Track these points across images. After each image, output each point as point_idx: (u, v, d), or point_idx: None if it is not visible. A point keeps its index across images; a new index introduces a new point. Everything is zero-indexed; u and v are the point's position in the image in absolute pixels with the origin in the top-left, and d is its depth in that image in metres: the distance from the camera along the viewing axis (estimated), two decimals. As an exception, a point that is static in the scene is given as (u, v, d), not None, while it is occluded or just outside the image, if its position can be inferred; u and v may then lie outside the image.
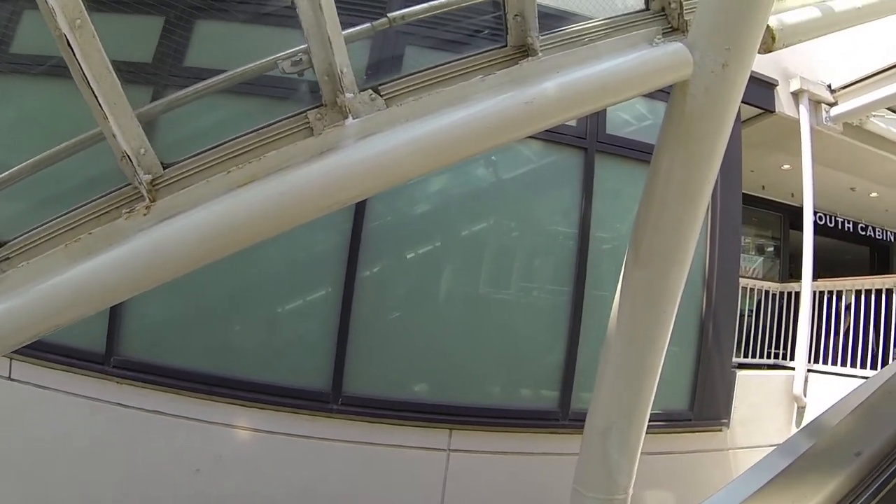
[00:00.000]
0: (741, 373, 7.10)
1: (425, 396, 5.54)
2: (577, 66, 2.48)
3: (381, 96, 2.28)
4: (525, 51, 2.47)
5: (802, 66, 7.97)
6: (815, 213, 11.78)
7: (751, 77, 6.94)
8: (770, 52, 3.09)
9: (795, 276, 13.67)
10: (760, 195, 10.36)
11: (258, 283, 5.37)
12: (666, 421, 6.37)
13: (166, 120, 4.12)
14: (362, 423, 5.31)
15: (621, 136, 6.45)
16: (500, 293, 5.88)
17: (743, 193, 10.59)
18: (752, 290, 8.13)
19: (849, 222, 12.66)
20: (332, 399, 5.26)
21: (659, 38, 2.70)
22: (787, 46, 3.22)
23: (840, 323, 7.26)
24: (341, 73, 2.12)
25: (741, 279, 8.24)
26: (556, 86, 2.37)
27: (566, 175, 6.16)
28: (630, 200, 6.25)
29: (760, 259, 11.90)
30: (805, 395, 7.39)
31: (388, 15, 2.71)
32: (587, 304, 6.03)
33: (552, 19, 3.69)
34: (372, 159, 2.17)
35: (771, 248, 11.96)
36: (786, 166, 8.42)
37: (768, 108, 7.70)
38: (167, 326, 5.31)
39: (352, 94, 2.18)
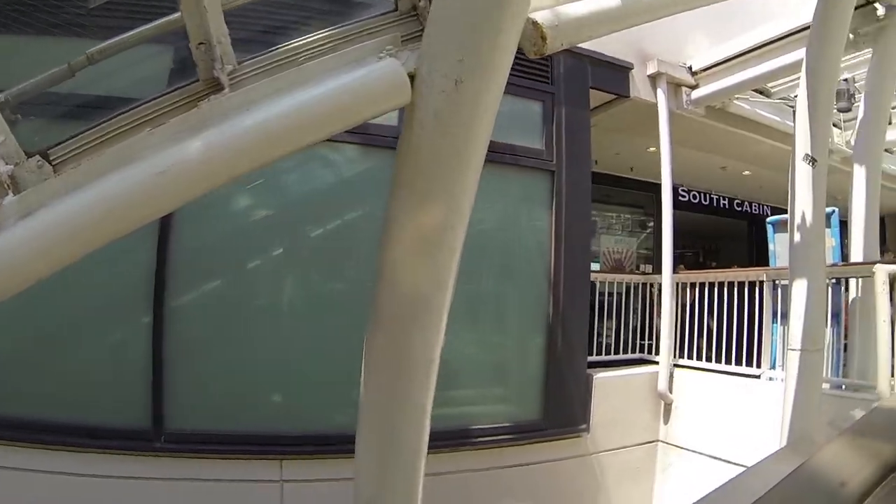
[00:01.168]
0: (600, 374, 6.85)
1: (252, 426, 5.10)
2: (272, 98, 1.91)
3: (50, 163, 1.75)
4: (216, 86, 1.90)
5: (663, 48, 7.64)
6: (689, 191, 11.92)
7: (603, 61, 6.62)
8: (542, 54, 2.55)
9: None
10: (631, 176, 10.12)
11: (64, 322, 4.80)
12: (516, 434, 6.10)
13: None
14: (189, 459, 4.90)
15: None
16: (322, 313, 5.39)
17: (612, 175, 10.49)
18: (617, 283, 7.80)
19: (724, 198, 12.76)
20: (154, 436, 4.82)
21: (389, 49, 2.16)
22: (568, 45, 2.72)
23: (704, 317, 7.03)
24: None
25: (602, 274, 7.97)
26: (219, 135, 1.78)
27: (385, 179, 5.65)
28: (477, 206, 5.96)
29: (636, 239, 11.80)
30: (671, 392, 7.16)
31: (87, 52, 2.07)
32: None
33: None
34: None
35: (640, 229, 11.89)
36: (651, 149, 8.12)
37: (622, 94, 7.35)
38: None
39: (12, 166, 1.65)
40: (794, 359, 4.87)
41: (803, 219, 4.84)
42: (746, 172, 10.88)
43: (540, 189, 6.47)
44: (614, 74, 7.23)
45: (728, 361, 6.70)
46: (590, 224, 6.98)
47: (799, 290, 4.84)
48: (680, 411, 7.12)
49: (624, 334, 7.69)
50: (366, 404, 2.45)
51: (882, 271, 2.20)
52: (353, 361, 5.08)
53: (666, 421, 7.25)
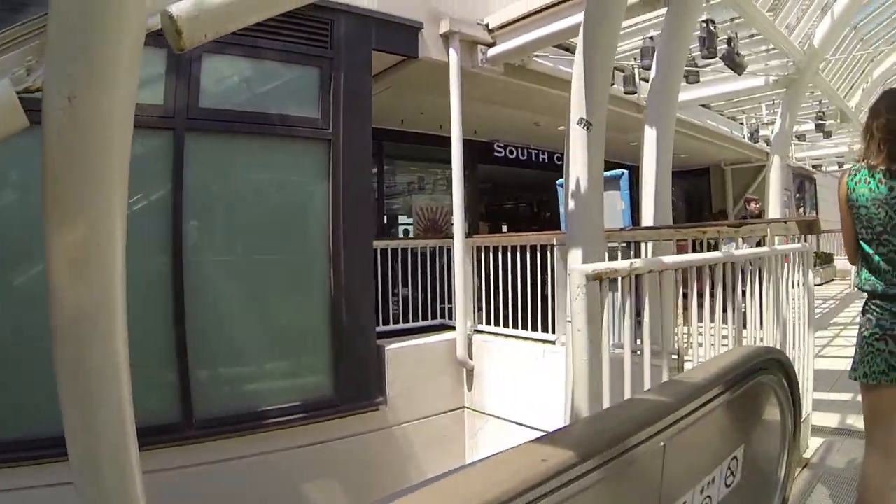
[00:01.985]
0: (393, 345, 6.70)
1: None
2: None
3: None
4: None
5: (459, 6, 7.37)
6: (505, 147, 11.93)
7: (389, 21, 6.32)
8: (183, 49, 2.17)
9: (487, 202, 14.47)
10: (441, 133, 10.01)
11: None
12: (308, 412, 5.93)
13: None
14: None
15: (221, 109, 5.65)
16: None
17: (421, 133, 10.31)
18: (411, 249, 7.59)
19: (544, 153, 12.88)
20: None
21: (29, 62, 1.75)
22: (215, 37, 2.34)
23: (499, 282, 6.94)
24: None
25: (394, 241, 7.76)
26: None
27: (153, 163, 5.29)
28: (239, 181, 5.83)
29: (450, 196, 11.82)
30: (471, 358, 7.08)
31: None
32: (190, 307, 5.35)
33: None
34: None
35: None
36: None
37: (410, 55, 7.04)
38: None
39: None
40: (571, 330, 4.82)
41: (578, 184, 4.72)
42: (561, 127, 10.90)
43: (316, 159, 6.18)
44: (402, 35, 6.89)
45: (524, 327, 6.66)
46: (370, 191, 6.78)
47: (575, 258, 4.70)
48: (482, 377, 7.07)
49: (423, 301, 7.55)
50: (65, 412, 2.10)
51: (578, 273, 2.02)
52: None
53: (470, 387, 7.19)
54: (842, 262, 11.96)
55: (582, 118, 4.60)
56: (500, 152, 12.05)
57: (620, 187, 6.66)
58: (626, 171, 6.70)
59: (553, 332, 6.40)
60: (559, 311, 6.25)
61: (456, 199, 7.00)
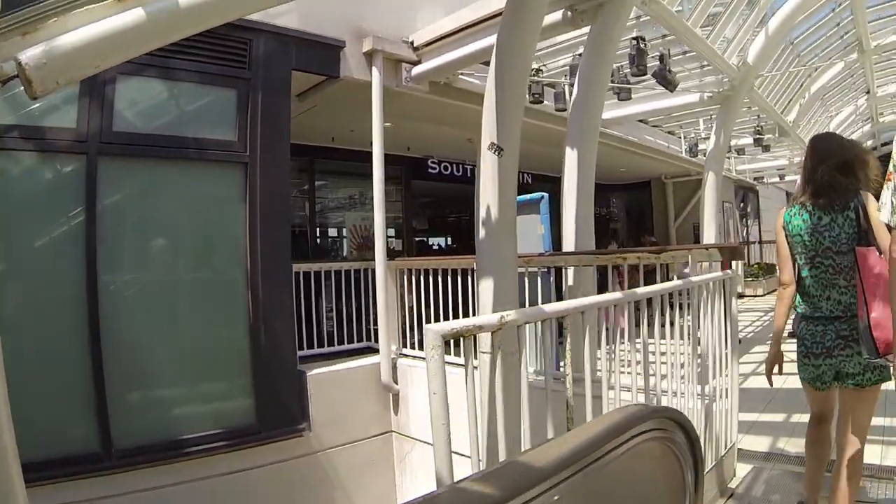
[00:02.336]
0: (315, 370, 6.57)
1: None
2: None
3: None
4: None
5: (385, 24, 7.25)
6: (439, 163, 11.87)
7: (310, 40, 6.19)
8: (36, 98, 2.05)
9: (421, 218, 14.39)
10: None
11: None
12: (229, 440, 5.78)
13: None
14: None
15: (136, 132, 5.53)
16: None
17: (352, 150, 10.16)
18: (335, 271, 7.46)
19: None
20: None
21: None
22: (67, 84, 2.22)
23: (422, 305, 6.82)
24: None
25: (317, 263, 7.62)
26: None
27: (65, 188, 5.16)
28: (153, 206, 5.66)
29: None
30: (396, 382, 6.96)
31: None
32: (107, 335, 5.20)
33: None
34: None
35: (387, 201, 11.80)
36: (388, 124, 7.77)
37: (331, 74, 6.91)
38: None
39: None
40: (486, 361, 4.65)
41: (488, 212, 4.58)
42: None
43: (232, 182, 6.05)
44: (323, 54, 6.75)
45: (448, 352, 6.50)
46: (288, 214, 6.62)
47: (486, 288, 4.48)
48: (408, 402, 6.94)
49: (347, 324, 7.42)
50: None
51: (434, 334, 1.89)
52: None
53: (397, 412, 7.06)
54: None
55: (493, 143, 4.44)
56: (433, 168, 12.00)
57: (541, 211, 6.55)
58: (546, 195, 6.60)
59: (475, 356, 6.27)
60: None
61: (377, 219, 6.85)
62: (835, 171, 3.08)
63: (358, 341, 7.52)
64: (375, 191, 6.85)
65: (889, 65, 12.08)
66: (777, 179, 17.96)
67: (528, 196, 6.45)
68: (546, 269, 5.75)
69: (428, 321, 6.73)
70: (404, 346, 7.17)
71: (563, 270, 5.61)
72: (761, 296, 16.01)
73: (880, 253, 2.88)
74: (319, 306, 7.26)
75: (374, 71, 6.99)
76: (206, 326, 5.93)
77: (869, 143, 16.07)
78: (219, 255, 6.04)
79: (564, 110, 8.46)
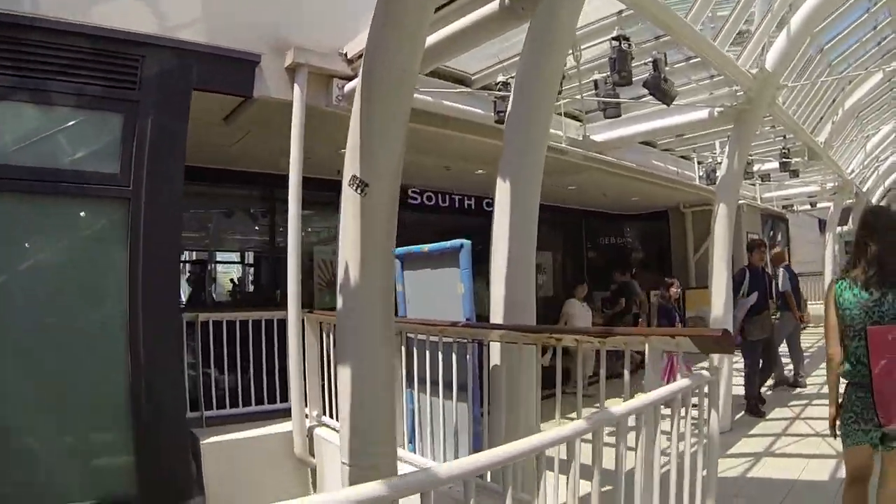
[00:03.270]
0: (211, 438, 5.78)
1: None
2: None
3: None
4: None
5: (314, 35, 6.28)
6: (422, 192, 10.89)
7: (217, 55, 5.28)
8: None
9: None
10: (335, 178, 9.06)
11: None
12: None
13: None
14: None
15: (3, 164, 4.85)
16: None
17: (323, 180, 9.15)
18: (241, 321, 6.44)
19: (470, 198, 12.06)
20: None
21: None
22: None
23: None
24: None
25: (215, 313, 6.66)
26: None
27: None
28: (17, 247, 5.03)
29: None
30: (312, 455, 5.88)
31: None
32: None
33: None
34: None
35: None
36: (342, 150, 6.76)
37: (242, 93, 5.98)
38: None
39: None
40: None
41: (347, 269, 3.49)
42: (480, 171, 9.78)
43: (112, 220, 5.28)
44: (233, 70, 5.84)
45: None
46: (178, 256, 5.74)
47: (344, 382, 3.41)
48: (331, 478, 5.80)
49: (256, 382, 6.40)
50: None
51: None
52: None
53: (316, 488, 5.96)
54: (815, 307, 10.61)
55: (355, 177, 3.35)
56: (415, 199, 11.03)
57: (460, 264, 5.14)
58: (466, 243, 5.17)
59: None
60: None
61: (291, 261, 5.87)
62: (886, 248, 3.39)
63: (270, 402, 6.45)
64: (290, 227, 5.89)
65: (936, 74, 10.54)
66: (808, 207, 16.47)
67: (443, 244, 5.28)
68: (470, 340, 4.64)
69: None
70: (325, 413, 6.08)
71: (488, 345, 4.50)
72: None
73: None
74: (234, 360, 6.26)
75: (296, 88, 6.03)
76: (82, 385, 5.12)
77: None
78: (95, 303, 5.26)
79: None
